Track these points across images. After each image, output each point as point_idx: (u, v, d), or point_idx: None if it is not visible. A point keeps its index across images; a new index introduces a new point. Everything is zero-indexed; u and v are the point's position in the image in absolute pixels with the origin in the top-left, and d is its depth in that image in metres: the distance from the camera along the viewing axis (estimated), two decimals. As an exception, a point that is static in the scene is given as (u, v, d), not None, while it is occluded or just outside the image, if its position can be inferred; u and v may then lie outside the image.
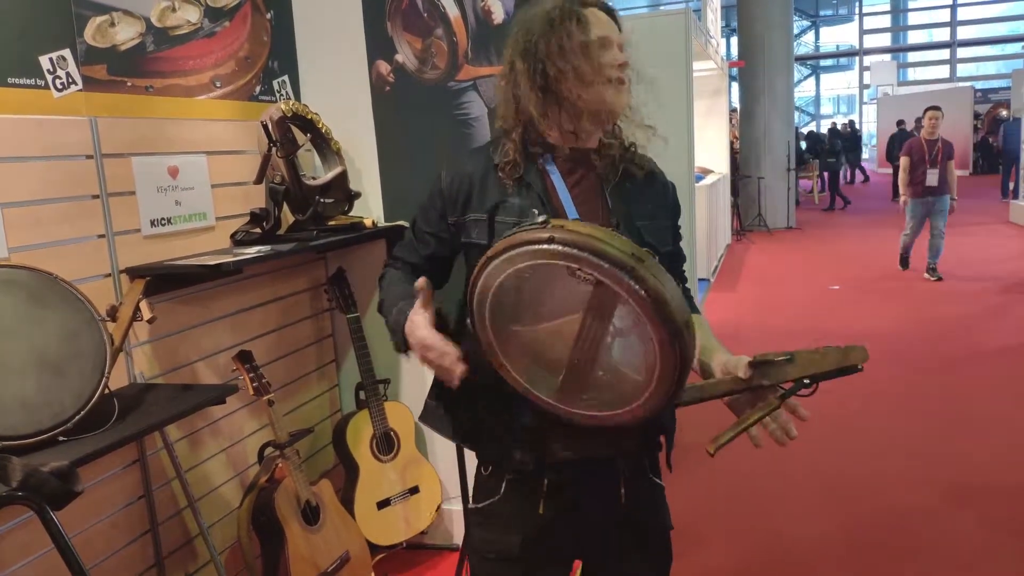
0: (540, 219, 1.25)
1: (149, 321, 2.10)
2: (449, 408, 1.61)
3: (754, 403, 1.39)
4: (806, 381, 1.31)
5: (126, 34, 2.31)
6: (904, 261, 8.92)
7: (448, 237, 1.58)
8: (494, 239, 1.44)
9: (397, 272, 1.63)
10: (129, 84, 2.32)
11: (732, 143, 12.65)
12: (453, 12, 2.84)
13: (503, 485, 1.56)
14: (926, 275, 8.37)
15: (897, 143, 16.64)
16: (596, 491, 1.55)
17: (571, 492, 1.53)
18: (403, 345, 1.49)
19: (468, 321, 1.37)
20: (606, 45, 1.46)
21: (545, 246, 1.21)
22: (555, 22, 1.45)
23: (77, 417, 1.84)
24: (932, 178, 8.14)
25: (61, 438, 1.81)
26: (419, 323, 1.40)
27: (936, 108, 8.49)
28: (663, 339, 1.20)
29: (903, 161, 8.39)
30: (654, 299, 1.17)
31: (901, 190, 8.57)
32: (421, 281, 1.40)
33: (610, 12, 1.51)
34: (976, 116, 21.43)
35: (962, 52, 30.20)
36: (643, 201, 1.57)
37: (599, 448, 1.50)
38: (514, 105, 1.50)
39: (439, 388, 1.62)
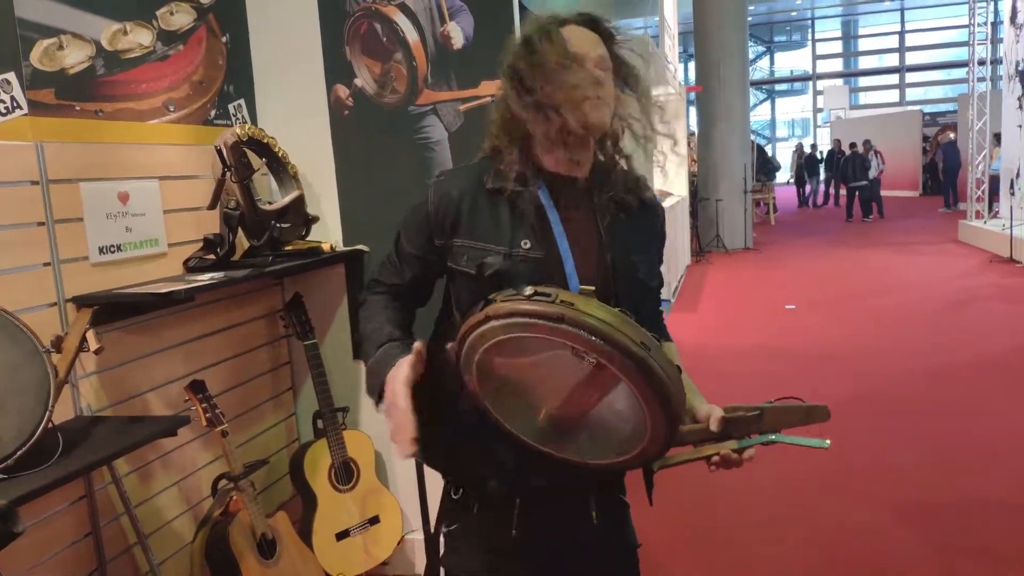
0: (547, 293, 1.23)
1: (96, 352, 2.03)
2: (425, 432, 1.58)
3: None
4: (772, 438, 1.35)
5: (75, 57, 2.25)
6: None
7: (434, 260, 1.54)
8: (482, 268, 1.44)
9: (379, 298, 1.59)
10: (78, 108, 2.26)
11: (691, 166, 12.79)
12: (412, 37, 2.82)
13: (474, 506, 1.55)
14: None
15: (850, 165, 17.03)
16: (567, 511, 1.55)
17: (543, 513, 1.52)
18: (378, 392, 1.44)
19: (454, 355, 1.35)
20: (579, 62, 1.42)
21: (553, 323, 1.20)
22: (530, 41, 1.44)
23: (18, 453, 1.77)
24: None
25: (1, 476, 1.74)
26: (400, 378, 1.35)
27: None
28: (658, 422, 1.24)
29: None
30: (658, 391, 1.21)
31: None
32: (418, 344, 1.37)
33: (593, 24, 1.49)
34: (924, 139, 21.95)
35: (910, 77, 31.06)
36: (638, 233, 1.56)
37: (574, 478, 1.48)
38: (508, 124, 1.48)
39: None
